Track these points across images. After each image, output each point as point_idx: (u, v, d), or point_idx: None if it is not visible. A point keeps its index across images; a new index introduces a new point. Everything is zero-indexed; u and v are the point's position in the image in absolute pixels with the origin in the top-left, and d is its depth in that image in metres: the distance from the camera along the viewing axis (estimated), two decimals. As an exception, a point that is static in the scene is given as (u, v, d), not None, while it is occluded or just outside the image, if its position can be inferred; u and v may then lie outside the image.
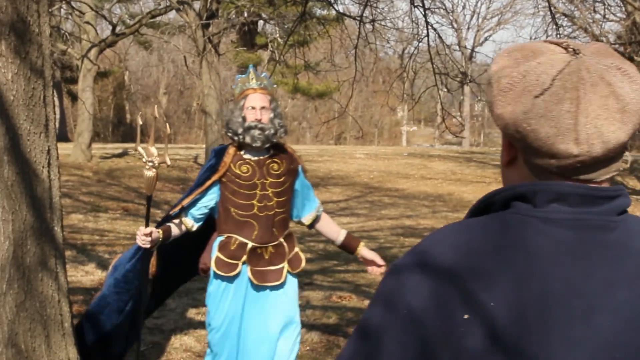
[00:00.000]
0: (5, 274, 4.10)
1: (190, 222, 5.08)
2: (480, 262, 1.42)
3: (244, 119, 4.95)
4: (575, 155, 1.43)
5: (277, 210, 5.02)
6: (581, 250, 1.43)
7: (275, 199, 5.02)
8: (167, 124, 5.19)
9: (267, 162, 5.05)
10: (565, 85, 1.42)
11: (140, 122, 5.02)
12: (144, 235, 4.77)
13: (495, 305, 1.38)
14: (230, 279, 4.99)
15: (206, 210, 5.09)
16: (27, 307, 4.21)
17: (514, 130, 1.48)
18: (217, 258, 4.98)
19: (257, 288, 5.04)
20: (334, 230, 5.43)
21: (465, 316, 1.39)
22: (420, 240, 1.56)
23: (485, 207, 1.57)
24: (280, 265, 5.04)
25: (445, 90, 14.82)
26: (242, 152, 5.05)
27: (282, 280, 5.04)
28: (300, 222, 5.41)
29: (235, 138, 4.97)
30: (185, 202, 5.03)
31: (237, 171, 4.99)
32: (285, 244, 5.09)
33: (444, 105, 14.06)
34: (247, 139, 4.91)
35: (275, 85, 5.40)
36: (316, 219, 5.39)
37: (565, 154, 1.44)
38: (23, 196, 4.18)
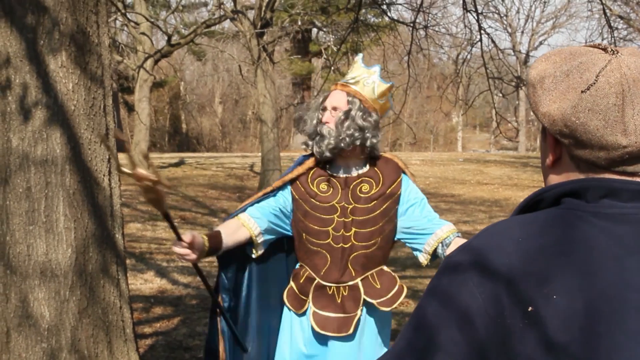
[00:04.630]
0: (68, 280, 4.17)
1: (252, 223, 3.95)
2: (538, 261, 1.44)
3: (319, 121, 3.99)
4: (624, 146, 1.48)
5: (355, 243, 3.95)
6: (634, 244, 1.45)
7: (355, 229, 3.94)
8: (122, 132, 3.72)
9: (357, 181, 4.01)
10: (609, 80, 1.48)
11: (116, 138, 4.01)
12: (181, 246, 3.60)
13: (556, 303, 1.39)
14: (298, 316, 4.09)
15: (271, 214, 4.03)
16: (90, 313, 4.27)
17: (562, 126, 1.52)
18: (290, 288, 4.11)
19: (319, 337, 4.03)
20: None
21: (530, 309, 1.40)
22: (476, 235, 1.57)
23: (534, 204, 1.60)
24: (351, 314, 3.95)
25: (500, 95, 14.71)
26: (327, 165, 4.08)
27: (349, 332, 3.93)
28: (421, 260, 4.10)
29: (306, 146, 4.05)
30: (246, 203, 4.11)
31: (314, 189, 4.01)
32: (362, 287, 3.98)
33: (499, 110, 13.97)
34: (315, 148, 3.96)
35: (391, 83, 4.07)
36: (436, 251, 4.00)
37: (614, 145, 1.48)
38: (85, 204, 4.24)
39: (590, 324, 1.38)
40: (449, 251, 3.86)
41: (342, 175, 4.03)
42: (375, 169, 4.05)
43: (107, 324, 4.40)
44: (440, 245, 3.93)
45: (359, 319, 3.97)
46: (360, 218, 3.95)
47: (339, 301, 3.96)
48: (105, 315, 4.38)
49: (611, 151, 1.49)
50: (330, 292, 3.98)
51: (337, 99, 3.96)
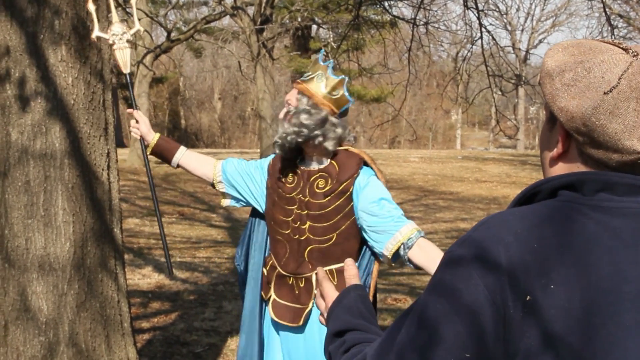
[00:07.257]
0: (66, 274, 4.17)
1: (218, 169, 4.26)
2: (537, 253, 1.44)
3: (277, 117, 3.98)
4: (639, 152, 1.48)
5: (310, 236, 3.99)
6: (630, 237, 1.47)
7: (309, 222, 3.98)
8: None
9: (316, 175, 4.02)
10: (631, 84, 1.47)
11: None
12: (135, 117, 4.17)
13: (553, 294, 1.41)
14: (265, 302, 4.20)
15: (239, 177, 4.23)
16: (88, 307, 4.28)
17: (580, 124, 1.51)
18: (263, 273, 4.23)
19: (275, 325, 4.16)
20: (431, 266, 3.68)
21: (528, 298, 1.41)
22: (474, 227, 1.57)
23: (530, 196, 1.61)
24: (304, 306, 4.03)
25: (500, 92, 14.72)
26: (298, 157, 4.09)
27: (299, 323, 4.02)
28: (383, 261, 4.03)
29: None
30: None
31: (282, 179, 4.09)
32: (313, 280, 3.99)
33: (499, 108, 13.98)
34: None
35: (342, 77, 4.00)
36: (398, 253, 3.84)
37: (629, 150, 1.49)
38: (83, 198, 4.25)
39: (586, 315, 1.39)
40: (412, 253, 3.76)
41: (306, 168, 4.06)
42: (335, 164, 4.01)
43: (105, 318, 4.40)
44: (402, 247, 3.79)
45: (309, 311, 4.01)
46: (315, 213, 3.97)
47: (296, 292, 4.03)
48: (103, 309, 4.39)
49: (625, 155, 1.49)
50: (290, 282, 4.05)
51: (290, 95, 4.01)
